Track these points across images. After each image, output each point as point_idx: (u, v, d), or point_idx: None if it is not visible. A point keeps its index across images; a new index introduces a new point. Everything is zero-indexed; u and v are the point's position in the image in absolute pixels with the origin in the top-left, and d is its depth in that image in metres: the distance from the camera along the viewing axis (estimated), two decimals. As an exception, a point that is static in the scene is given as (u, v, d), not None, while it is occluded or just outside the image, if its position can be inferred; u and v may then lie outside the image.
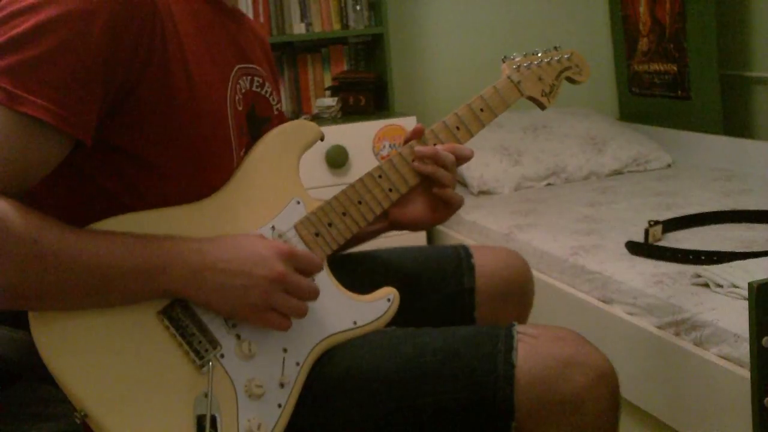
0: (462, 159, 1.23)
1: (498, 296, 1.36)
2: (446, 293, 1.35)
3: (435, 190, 1.22)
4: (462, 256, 1.38)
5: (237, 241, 1.02)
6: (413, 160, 1.22)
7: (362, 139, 2.96)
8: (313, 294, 1.05)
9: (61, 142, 0.93)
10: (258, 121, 1.18)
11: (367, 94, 3.13)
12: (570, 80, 1.36)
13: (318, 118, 3.07)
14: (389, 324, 1.16)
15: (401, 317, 1.17)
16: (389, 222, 1.29)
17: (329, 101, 3.12)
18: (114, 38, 0.93)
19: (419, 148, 1.21)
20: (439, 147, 1.22)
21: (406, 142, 1.24)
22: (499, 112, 1.27)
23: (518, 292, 1.40)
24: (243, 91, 1.15)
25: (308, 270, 1.05)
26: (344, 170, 2.94)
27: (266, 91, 1.22)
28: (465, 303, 1.35)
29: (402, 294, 1.18)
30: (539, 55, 1.33)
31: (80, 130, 0.93)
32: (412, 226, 1.29)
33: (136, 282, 0.96)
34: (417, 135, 1.23)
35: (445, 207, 1.25)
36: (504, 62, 1.31)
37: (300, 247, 1.11)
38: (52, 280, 0.91)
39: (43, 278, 0.90)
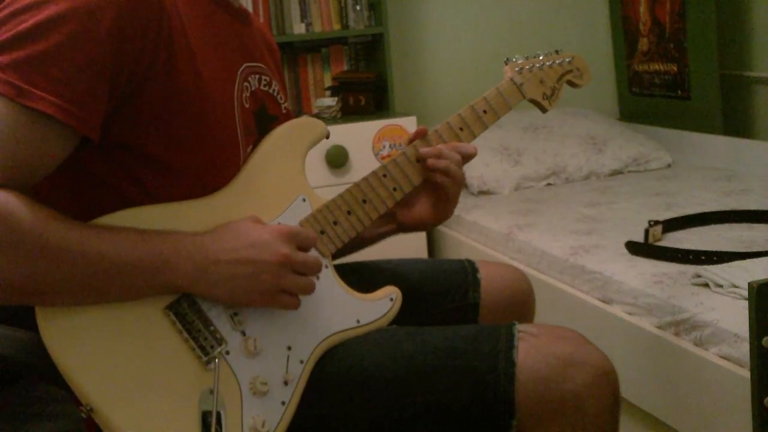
0: (467, 157, 1.24)
1: (500, 313, 1.37)
2: (450, 307, 1.36)
3: (439, 179, 1.22)
4: (468, 270, 1.39)
5: (236, 229, 1.03)
6: (418, 160, 1.22)
7: (362, 139, 2.96)
8: (318, 267, 1.06)
9: (68, 137, 0.93)
10: (267, 119, 1.19)
11: (367, 94, 3.13)
12: (571, 84, 1.37)
13: (318, 118, 3.06)
14: (391, 323, 1.17)
15: (404, 326, 1.17)
16: (397, 224, 1.29)
17: (329, 101, 3.12)
18: (121, 34, 0.94)
19: (423, 149, 1.22)
20: (442, 146, 1.22)
21: (409, 143, 1.24)
22: (502, 114, 1.28)
23: (521, 312, 1.41)
24: (252, 89, 1.16)
25: (307, 245, 1.06)
26: (344, 170, 2.94)
27: (274, 90, 1.23)
28: (468, 317, 1.36)
29: (406, 305, 1.18)
30: (541, 58, 1.34)
31: (86, 126, 0.93)
32: (418, 227, 1.30)
33: (139, 278, 0.96)
34: (420, 136, 1.24)
35: (445, 203, 1.26)
36: (507, 64, 1.32)
37: None
38: (56, 275, 0.91)
39: (48, 273, 0.91)
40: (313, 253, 1.11)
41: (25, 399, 1.13)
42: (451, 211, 1.28)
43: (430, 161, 1.22)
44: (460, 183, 1.25)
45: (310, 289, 1.06)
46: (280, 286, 1.02)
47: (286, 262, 1.02)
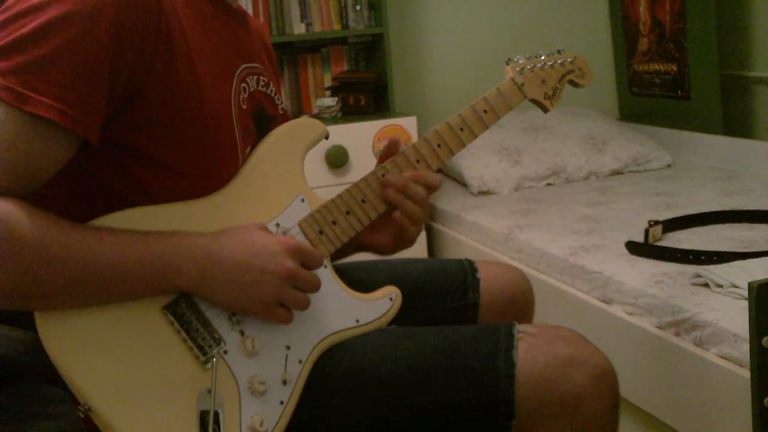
0: (430, 188, 1.20)
1: (500, 313, 1.37)
2: (450, 306, 1.36)
3: (398, 217, 1.19)
4: (467, 270, 1.39)
5: (244, 235, 1.03)
6: (418, 161, 1.20)
7: (362, 139, 2.96)
8: (317, 286, 1.06)
9: (68, 141, 0.93)
10: (266, 120, 1.19)
11: (367, 94, 3.13)
12: (572, 83, 1.37)
13: (318, 118, 3.06)
14: (391, 323, 1.17)
15: (404, 326, 1.17)
16: (357, 242, 1.25)
17: (329, 101, 3.12)
18: (119, 37, 0.94)
19: (389, 177, 1.18)
20: (408, 178, 1.18)
21: (382, 159, 1.22)
22: (502, 114, 1.27)
23: (520, 311, 1.40)
24: (250, 90, 1.16)
25: (312, 264, 1.06)
26: (344, 170, 2.94)
27: (271, 91, 1.23)
28: (467, 317, 1.36)
29: (405, 305, 1.18)
30: (542, 57, 1.34)
31: (87, 129, 0.93)
32: (376, 251, 1.27)
33: (142, 280, 0.96)
34: (392, 150, 1.21)
35: (402, 237, 1.23)
36: (508, 64, 1.32)
37: None
38: (58, 281, 0.91)
39: (50, 279, 0.91)
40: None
41: (25, 399, 1.12)
42: (409, 244, 1.24)
43: (388, 192, 1.17)
44: (418, 222, 1.19)
45: (305, 306, 1.06)
46: (279, 299, 1.03)
47: (290, 276, 1.02)
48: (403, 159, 1.21)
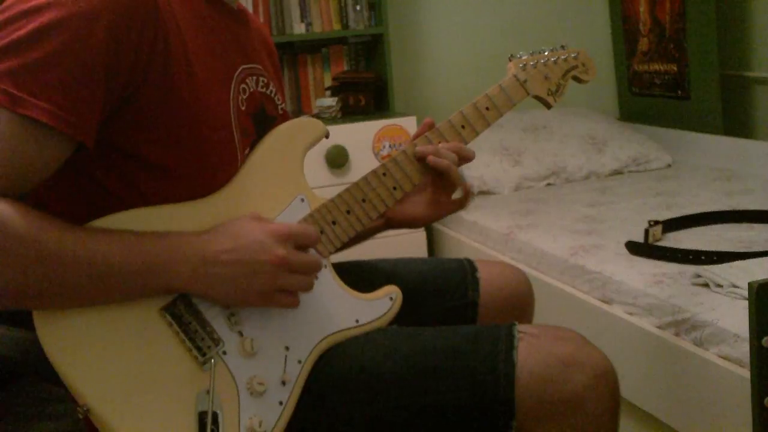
0: (464, 159, 1.24)
1: (499, 312, 1.37)
2: (449, 305, 1.36)
3: (444, 186, 1.23)
4: (467, 269, 1.39)
5: (233, 229, 1.02)
6: (418, 158, 1.22)
7: (362, 139, 2.96)
8: (316, 266, 1.06)
9: (63, 144, 0.93)
10: (266, 121, 1.18)
11: (367, 94, 3.13)
12: (576, 79, 1.36)
13: (318, 118, 3.05)
14: (391, 323, 1.17)
15: (403, 325, 1.17)
16: (386, 220, 1.29)
17: (329, 101, 3.12)
18: (116, 40, 0.93)
19: (421, 147, 1.21)
20: (442, 145, 1.22)
21: (415, 138, 1.24)
22: (505, 111, 1.27)
23: (519, 310, 1.40)
24: (250, 91, 1.15)
25: (307, 244, 1.06)
26: (344, 170, 2.94)
27: (271, 91, 1.23)
28: (467, 316, 1.36)
29: (405, 304, 1.18)
30: (546, 53, 1.32)
31: (82, 132, 0.93)
32: (409, 224, 1.29)
33: (136, 281, 0.96)
34: (427, 128, 1.23)
35: (442, 206, 1.26)
36: (510, 60, 1.30)
37: None
38: (53, 280, 0.91)
39: (44, 278, 0.91)
40: (312, 251, 1.10)
41: (25, 399, 1.12)
42: (448, 211, 1.28)
43: (431, 159, 1.21)
44: (456, 184, 1.24)
45: (308, 287, 1.05)
46: (277, 286, 1.02)
47: (283, 263, 1.01)
48: (403, 157, 1.21)
